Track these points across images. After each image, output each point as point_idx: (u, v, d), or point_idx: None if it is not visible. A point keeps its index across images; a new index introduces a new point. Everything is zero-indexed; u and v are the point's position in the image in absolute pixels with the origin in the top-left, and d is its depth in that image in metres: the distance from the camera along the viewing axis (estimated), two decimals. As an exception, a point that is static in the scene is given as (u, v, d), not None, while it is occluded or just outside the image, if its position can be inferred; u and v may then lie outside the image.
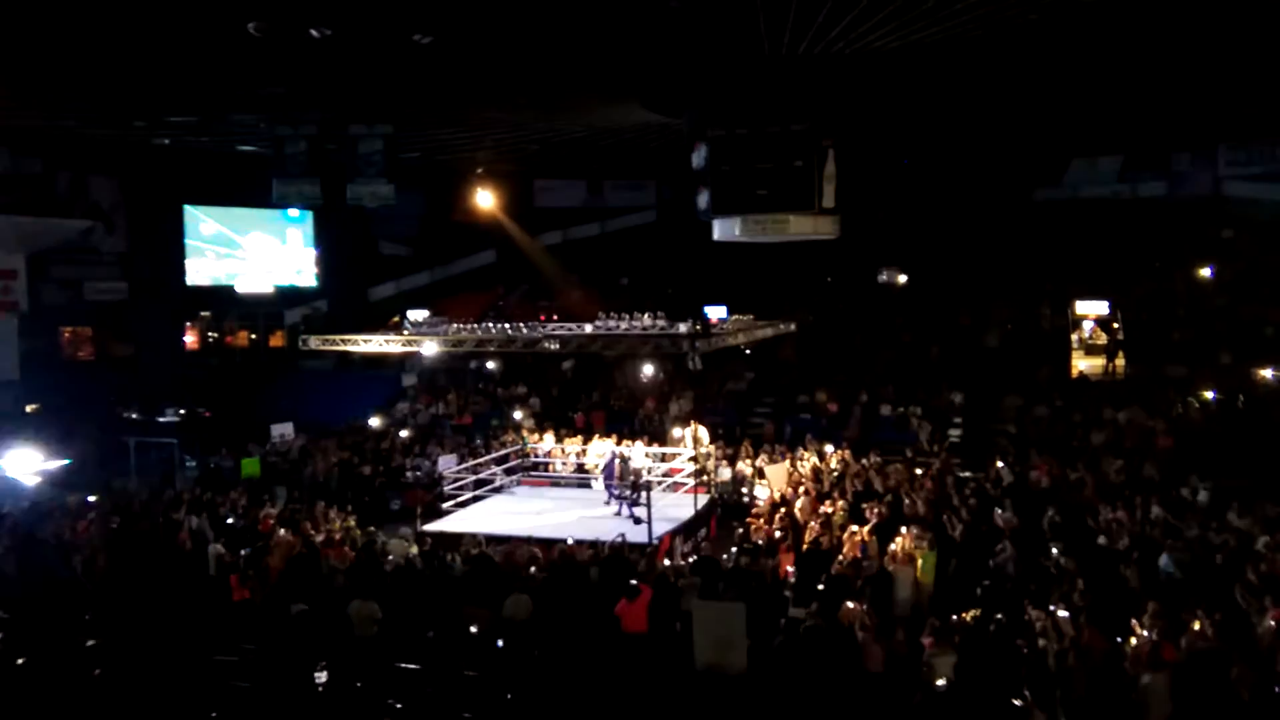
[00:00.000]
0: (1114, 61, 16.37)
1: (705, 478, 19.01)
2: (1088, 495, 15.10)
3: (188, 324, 29.99)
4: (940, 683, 8.92)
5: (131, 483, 20.53)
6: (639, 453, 19.18)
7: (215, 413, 26.31)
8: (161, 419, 25.00)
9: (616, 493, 17.82)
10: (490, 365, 27.66)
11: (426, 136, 22.65)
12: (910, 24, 13.36)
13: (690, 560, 14.11)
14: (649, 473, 18.31)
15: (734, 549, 13.78)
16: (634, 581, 11.25)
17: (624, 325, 19.07)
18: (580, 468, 20.80)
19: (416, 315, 26.99)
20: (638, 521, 16.48)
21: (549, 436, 22.02)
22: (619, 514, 17.38)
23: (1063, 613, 9.80)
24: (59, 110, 19.29)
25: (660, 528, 16.01)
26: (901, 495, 15.40)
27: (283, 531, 15.08)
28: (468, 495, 19.15)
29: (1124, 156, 28.95)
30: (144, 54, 14.80)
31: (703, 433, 20.12)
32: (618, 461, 18.14)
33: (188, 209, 28.87)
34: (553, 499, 19.58)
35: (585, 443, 21.26)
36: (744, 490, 19.38)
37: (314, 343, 20.13)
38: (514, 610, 11.09)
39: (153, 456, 23.86)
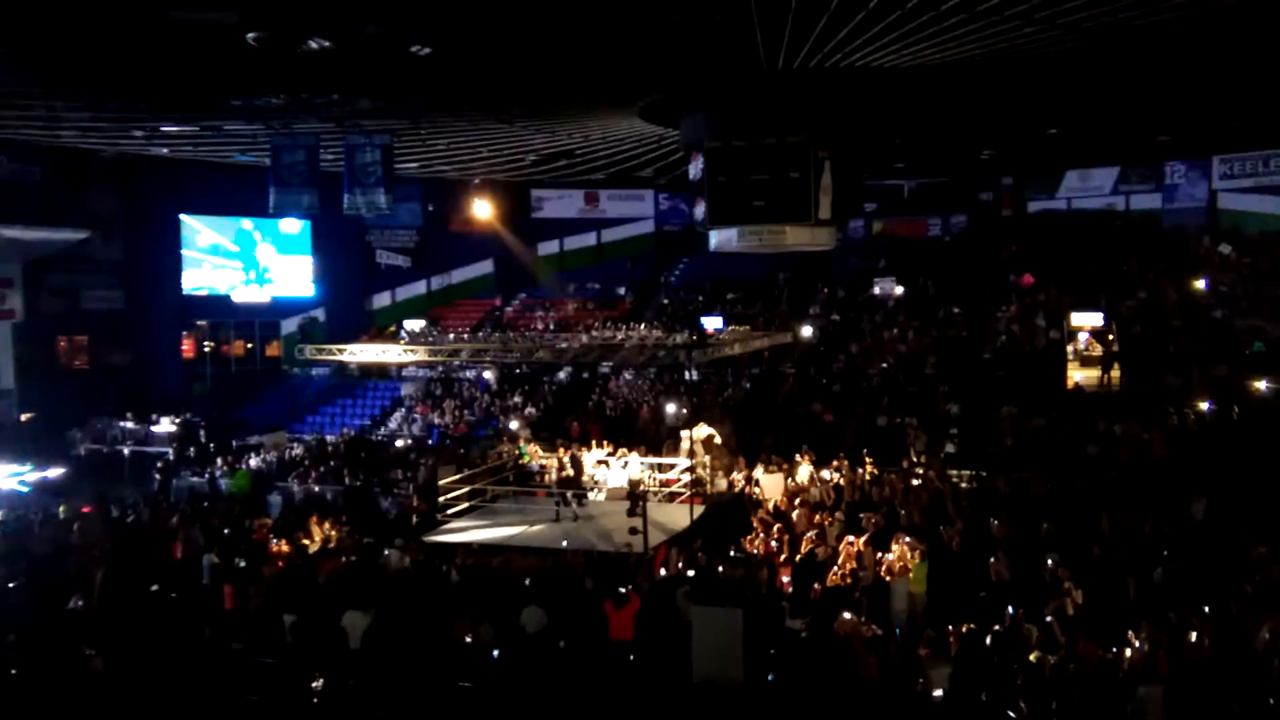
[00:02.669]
0: (1109, 77, 16.47)
1: (701, 488, 18.97)
2: (1083, 506, 15.11)
3: (184, 333, 29.99)
4: (936, 693, 8.91)
5: (126, 492, 20.50)
6: (635, 462, 19.15)
7: (211, 422, 26.29)
8: (157, 428, 24.97)
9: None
10: (487, 375, 27.69)
11: (424, 147, 22.70)
12: (907, 44, 13.45)
13: (686, 572, 14.08)
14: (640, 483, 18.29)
15: (730, 556, 13.78)
16: (623, 590, 11.24)
17: (621, 335, 19.10)
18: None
19: (414, 325, 27.08)
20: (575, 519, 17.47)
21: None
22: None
23: (1058, 627, 9.82)
24: (58, 120, 19.33)
25: (656, 537, 15.99)
26: (897, 506, 15.41)
27: (277, 541, 15.05)
28: (463, 505, 19.11)
29: (1119, 169, 29.14)
30: (143, 64, 14.85)
31: (702, 432, 19.99)
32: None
33: (185, 218, 28.91)
34: (547, 509, 19.52)
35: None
36: (740, 500, 19.35)
37: (311, 352, 20.15)
38: (528, 622, 11.01)
39: (148, 466, 23.85)
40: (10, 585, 13.62)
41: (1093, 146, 25.71)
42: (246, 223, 29.81)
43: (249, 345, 31.50)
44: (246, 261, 30.31)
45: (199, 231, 29.36)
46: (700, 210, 17.35)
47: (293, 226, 30.51)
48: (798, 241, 17.30)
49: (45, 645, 10.91)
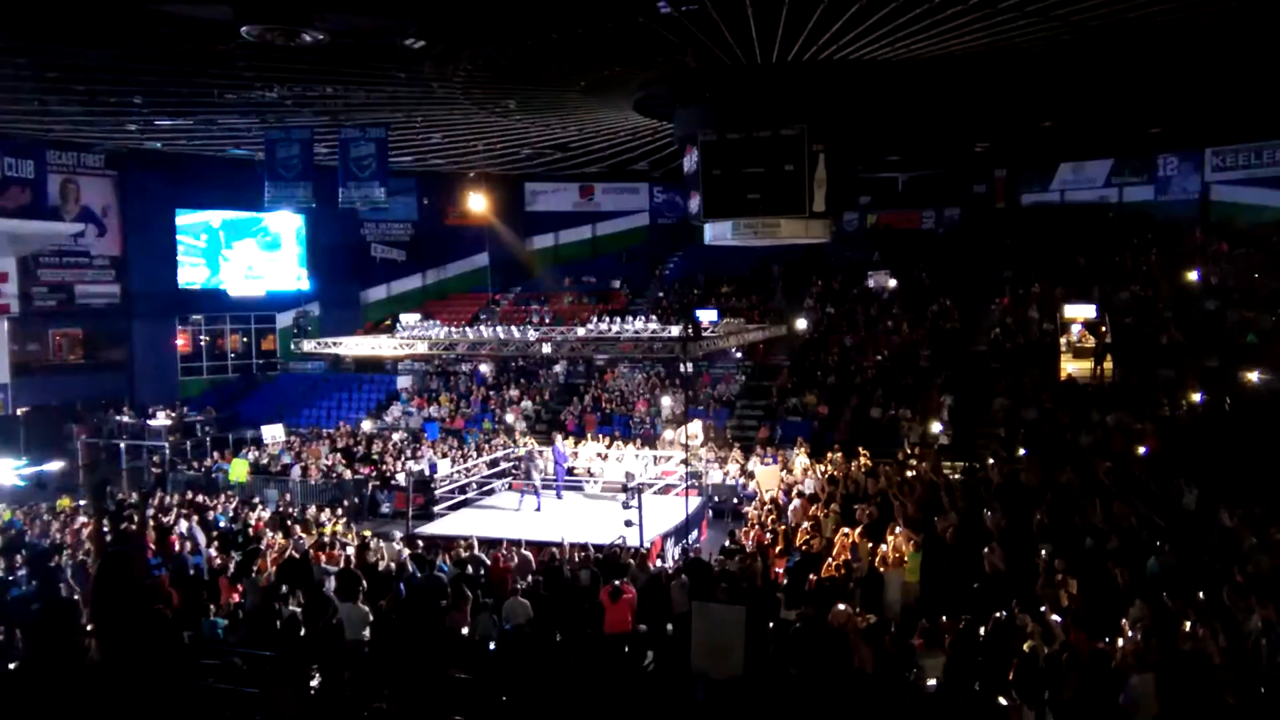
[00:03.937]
0: (1103, 70, 16.50)
1: (697, 480, 19.04)
2: (1076, 497, 15.18)
3: (180, 327, 29.95)
4: (930, 683, 8.97)
5: (122, 486, 20.51)
6: (631, 455, 19.22)
7: (206, 416, 26.28)
8: (153, 422, 24.96)
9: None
10: (483, 368, 27.71)
11: (419, 140, 22.68)
12: (902, 37, 13.47)
13: (681, 564, 14.14)
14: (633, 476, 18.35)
15: (724, 546, 13.84)
16: (617, 582, 11.29)
17: (616, 328, 19.14)
18: (570, 470, 20.82)
19: (409, 318, 27.08)
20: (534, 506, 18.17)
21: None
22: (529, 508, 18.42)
23: (1053, 617, 9.87)
24: (52, 114, 19.27)
25: (652, 531, 16.04)
26: (891, 498, 15.46)
27: (273, 534, 15.07)
28: (459, 498, 19.16)
29: (1112, 161, 29.21)
30: (138, 58, 14.81)
31: (695, 427, 20.04)
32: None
33: (180, 212, 28.84)
34: (544, 501, 19.58)
35: (575, 445, 21.28)
36: (735, 492, 19.43)
37: (306, 345, 20.17)
38: (512, 615, 11.08)
39: (144, 460, 23.83)
40: (9, 578, 13.63)
41: (1086, 139, 25.77)
42: (239, 216, 29.74)
43: (245, 339, 31.49)
44: (242, 255, 30.26)
45: (194, 225, 29.29)
46: (695, 203, 17.36)
47: (285, 221, 30.45)
48: (792, 234, 17.33)
49: (44, 637, 10.92)
